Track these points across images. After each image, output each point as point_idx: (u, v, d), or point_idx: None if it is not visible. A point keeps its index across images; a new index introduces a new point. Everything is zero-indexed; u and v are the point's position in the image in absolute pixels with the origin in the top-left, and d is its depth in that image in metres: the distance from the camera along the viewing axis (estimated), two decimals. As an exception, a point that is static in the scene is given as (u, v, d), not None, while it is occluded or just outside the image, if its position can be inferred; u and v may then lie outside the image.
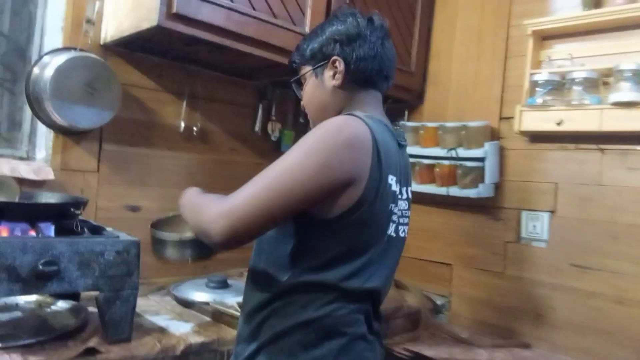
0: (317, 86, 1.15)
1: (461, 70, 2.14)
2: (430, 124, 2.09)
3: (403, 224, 1.12)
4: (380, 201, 1.00)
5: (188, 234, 1.32)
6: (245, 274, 1.18)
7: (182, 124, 1.90)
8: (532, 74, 1.83)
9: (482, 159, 1.92)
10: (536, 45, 1.87)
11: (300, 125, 2.27)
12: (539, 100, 1.79)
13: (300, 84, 1.20)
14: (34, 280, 1.09)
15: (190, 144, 1.95)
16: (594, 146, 1.78)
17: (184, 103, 1.91)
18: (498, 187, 1.98)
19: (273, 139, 2.17)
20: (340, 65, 1.11)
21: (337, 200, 0.96)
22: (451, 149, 1.97)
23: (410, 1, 2.16)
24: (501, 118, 2.00)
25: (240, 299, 1.54)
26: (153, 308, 1.56)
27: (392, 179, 1.03)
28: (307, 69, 1.16)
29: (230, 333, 1.38)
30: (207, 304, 1.56)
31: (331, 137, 0.95)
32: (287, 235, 1.03)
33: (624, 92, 1.61)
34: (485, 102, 2.05)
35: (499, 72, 2.02)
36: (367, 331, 1.05)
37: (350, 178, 0.95)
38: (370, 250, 1.02)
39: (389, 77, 1.18)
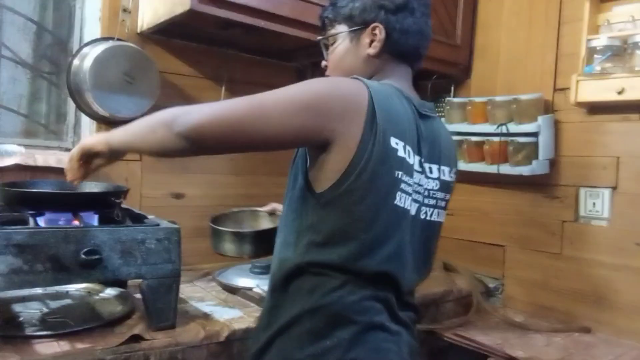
0: (350, 50, 1.08)
1: (511, 41, 2.02)
2: (478, 99, 1.99)
3: (427, 205, 1.04)
4: (377, 166, 0.92)
5: (247, 229, 1.32)
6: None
7: (222, 110, 1.88)
8: (589, 40, 1.68)
9: (535, 134, 1.80)
10: (593, 8, 1.73)
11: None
12: (598, 68, 1.65)
13: (328, 44, 1.12)
14: (78, 269, 1.10)
15: (231, 130, 1.94)
16: (659, 115, 1.63)
17: (223, 88, 1.89)
18: (553, 163, 1.85)
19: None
20: (381, 34, 1.05)
21: (326, 167, 0.92)
22: (501, 125, 1.86)
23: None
24: (555, 89, 1.87)
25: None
26: (198, 294, 1.57)
27: (397, 144, 0.94)
28: (341, 29, 1.09)
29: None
30: (250, 289, 1.55)
31: (321, 88, 0.92)
32: (293, 211, 1.00)
33: (695, 54, 1.47)
34: (538, 73, 1.92)
35: (552, 40, 1.88)
36: (390, 320, 0.98)
37: (330, 135, 0.90)
38: (375, 225, 0.94)
39: (422, 56, 1.12)
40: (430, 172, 1.05)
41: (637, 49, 1.60)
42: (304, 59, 2.02)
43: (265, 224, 1.65)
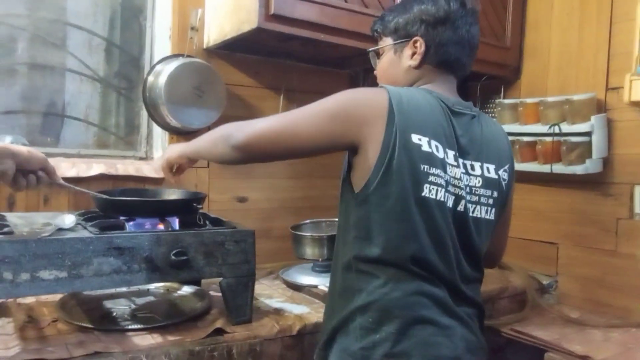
0: (393, 61, 1.18)
1: (562, 40, 2.04)
2: (529, 100, 2.02)
3: (471, 202, 1.09)
4: (400, 163, 0.99)
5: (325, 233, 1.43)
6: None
7: (281, 117, 1.99)
8: (644, 39, 1.70)
9: (588, 134, 1.82)
10: (649, 6, 1.74)
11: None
12: (653, 67, 1.67)
13: (377, 54, 1.24)
14: (168, 269, 1.22)
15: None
16: None
17: (281, 97, 2.00)
18: (606, 161, 1.87)
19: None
20: (421, 47, 1.13)
21: (358, 168, 1.04)
22: (554, 125, 1.89)
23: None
24: (608, 88, 1.88)
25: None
26: (266, 292, 1.68)
27: (420, 139, 1.01)
28: (387, 42, 1.20)
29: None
30: (315, 286, 1.64)
31: (346, 96, 1.06)
32: (342, 213, 1.13)
33: None
34: (590, 73, 1.94)
35: (604, 39, 1.89)
36: (441, 315, 1.03)
37: (356, 140, 1.02)
38: (406, 216, 1.01)
39: (466, 65, 1.18)
40: (472, 169, 1.10)
41: (693, 47, 1.61)
42: (357, 66, 2.11)
43: None
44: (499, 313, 1.84)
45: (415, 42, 1.14)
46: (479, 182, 1.11)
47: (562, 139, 1.88)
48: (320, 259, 1.47)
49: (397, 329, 1.01)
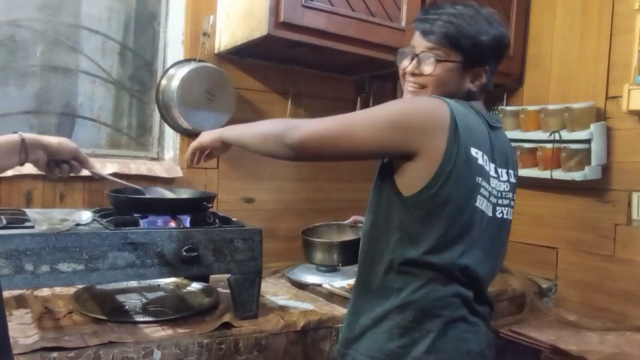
0: (455, 79, 1.13)
1: (563, 51, 2.09)
2: (531, 108, 2.07)
3: (502, 205, 1.15)
4: (461, 173, 1.04)
5: (336, 240, 1.45)
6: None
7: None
8: (641, 51, 1.75)
9: (587, 141, 1.87)
10: (646, 19, 1.79)
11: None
12: (650, 77, 1.72)
13: (435, 59, 1.12)
14: (179, 264, 1.28)
15: (296, 139, 2.10)
16: None
17: (289, 101, 2.06)
18: (606, 168, 1.92)
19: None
20: (484, 78, 1.14)
21: (412, 174, 1.05)
22: (554, 132, 1.94)
23: (510, -18, 2.14)
24: (607, 98, 1.93)
25: (348, 281, 1.68)
26: (271, 289, 1.73)
27: (476, 153, 1.06)
28: (457, 57, 1.11)
29: (342, 312, 1.50)
30: (319, 285, 1.70)
31: (405, 108, 1.07)
32: (380, 214, 1.13)
33: None
34: (590, 82, 1.99)
35: (604, 50, 1.95)
36: (469, 314, 1.09)
37: (415, 149, 1.03)
38: (457, 224, 1.06)
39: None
40: (502, 175, 1.16)
41: (690, 59, 1.65)
42: (363, 73, 2.16)
43: (349, 235, 1.79)
44: (498, 315, 1.89)
45: (484, 71, 1.13)
46: (506, 187, 1.17)
47: (562, 145, 1.93)
48: (330, 265, 1.48)
49: (437, 327, 1.06)
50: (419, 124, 1.03)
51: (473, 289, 1.11)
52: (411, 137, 1.03)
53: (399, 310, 1.08)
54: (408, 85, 1.17)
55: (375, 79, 2.24)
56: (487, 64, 1.13)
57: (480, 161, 1.07)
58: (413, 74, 1.15)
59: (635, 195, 1.86)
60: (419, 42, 1.14)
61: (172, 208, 1.39)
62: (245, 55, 1.93)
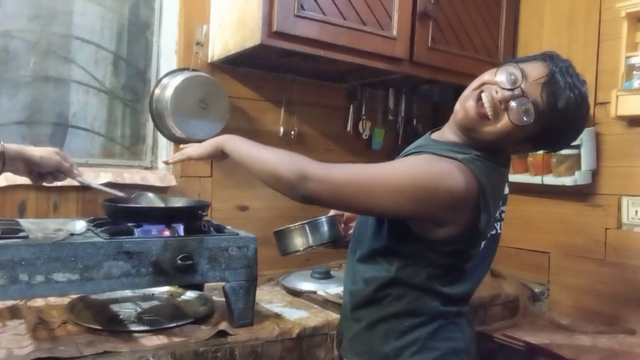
0: (512, 138, 1.05)
1: (551, 58, 2.12)
2: (520, 114, 2.10)
3: (497, 220, 1.18)
4: (484, 233, 1.08)
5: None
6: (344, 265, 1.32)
7: (282, 129, 2.06)
8: (627, 57, 1.79)
9: (577, 147, 1.90)
10: (631, 27, 1.82)
11: (389, 122, 2.36)
12: (636, 84, 1.74)
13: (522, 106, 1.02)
14: (174, 273, 1.29)
15: (289, 147, 2.07)
16: (699, 127, 1.71)
17: (282, 110, 2.07)
18: (595, 173, 1.95)
19: (364, 137, 2.28)
20: (526, 147, 1.12)
21: (434, 232, 1.04)
22: (544, 138, 1.97)
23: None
24: (596, 104, 1.96)
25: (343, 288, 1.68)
26: (266, 297, 1.73)
27: (496, 208, 1.10)
28: (528, 124, 1.01)
29: (337, 319, 1.50)
30: (314, 292, 1.70)
31: (432, 181, 0.98)
32: (389, 234, 1.11)
33: None
34: (579, 88, 2.01)
35: (592, 57, 1.98)
36: (456, 316, 1.14)
37: (438, 221, 1.02)
38: (468, 265, 1.12)
39: None
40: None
41: (675, 65, 1.69)
42: (355, 81, 2.18)
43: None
44: (491, 319, 1.90)
45: (528, 145, 1.10)
46: (502, 202, 1.19)
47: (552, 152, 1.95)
48: (302, 248, 1.37)
49: (429, 330, 1.10)
50: (446, 202, 0.98)
51: (464, 302, 1.18)
52: (433, 212, 1.00)
53: (396, 316, 1.11)
54: (484, 97, 1.03)
55: (367, 87, 2.26)
56: (530, 144, 1.10)
57: (499, 205, 1.13)
58: (500, 101, 1.01)
59: (625, 200, 1.89)
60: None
61: (167, 217, 1.39)
62: (238, 65, 1.94)
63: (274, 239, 1.35)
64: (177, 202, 1.58)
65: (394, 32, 1.81)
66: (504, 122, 1.02)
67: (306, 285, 1.77)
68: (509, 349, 1.75)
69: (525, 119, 1.00)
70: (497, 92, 1.01)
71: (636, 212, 1.85)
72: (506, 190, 1.21)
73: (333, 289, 1.70)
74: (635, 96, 1.74)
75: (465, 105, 1.05)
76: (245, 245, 1.39)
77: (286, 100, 2.08)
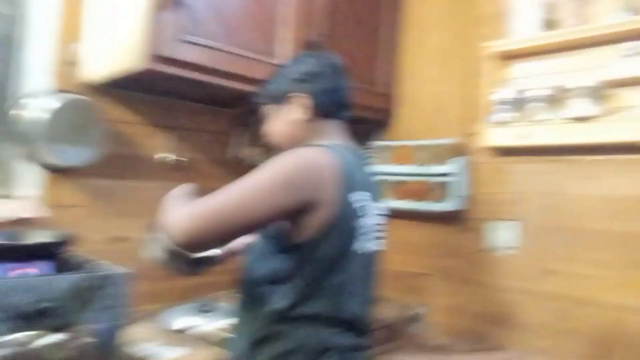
0: (286, 122, 1.25)
1: (430, 90, 2.27)
2: (401, 142, 2.21)
3: (374, 239, 1.21)
4: (347, 220, 1.11)
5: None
6: (235, 296, 1.28)
7: (164, 155, 1.97)
8: (494, 93, 1.95)
9: (451, 174, 2.03)
10: (498, 65, 2.00)
11: (274, 150, 2.35)
12: (503, 117, 1.91)
13: (269, 118, 1.30)
14: (35, 317, 1.16)
15: (174, 173, 2.02)
16: (555, 158, 1.90)
17: (167, 135, 1.98)
18: (468, 199, 2.09)
19: (247, 164, 2.24)
20: (306, 101, 1.22)
21: (307, 223, 1.07)
22: (422, 165, 2.09)
23: (377, 25, 2.27)
24: (468, 134, 2.12)
25: (226, 322, 1.63)
26: (143, 335, 1.62)
27: (360, 196, 1.14)
28: (274, 107, 1.27)
29: (223, 355, 1.45)
30: (196, 327, 1.63)
31: (293, 165, 1.07)
32: (270, 258, 1.14)
33: (578, 107, 1.74)
34: (454, 120, 2.17)
35: (465, 91, 2.14)
36: (350, 347, 1.15)
37: (310, 203, 1.05)
38: (343, 266, 1.11)
39: (348, 106, 1.30)
40: (373, 210, 1.22)
41: (534, 101, 1.87)
42: (247, 106, 2.15)
43: None
44: (373, 344, 1.94)
45: (299, 98, 1.23)
46: (378, 219, 1.24)
47: (429, 179, 2.07)
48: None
49: None
50: (313, 180, 1.06)
51: (355, 329, 1.17)
52: (305, 194, 1.05)
53: (286, 355, 1.10)
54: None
55: (255, 112, 2.23)
56: (299, 91, 1.22)
57: (362, 203, 1.14)
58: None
59: (492, 224, 2.04)
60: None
61: (23, 254, 1.26)
62: (120, 87, 1.83)
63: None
64: (39, 237, 1.44)
65: (280, 60, 1.82)
66: (278, 129, 1.29)
67: (189, 321, 1.69)
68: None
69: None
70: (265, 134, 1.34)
71: (501, 235, 2.01)
72: (383, 210, 1.25)
73: (219, 323, 1.64)
74: (500, 128, 1.91)
75: None
76: (116, 282, 1.30)
77: (173, 125, 2.00)
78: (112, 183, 1.86)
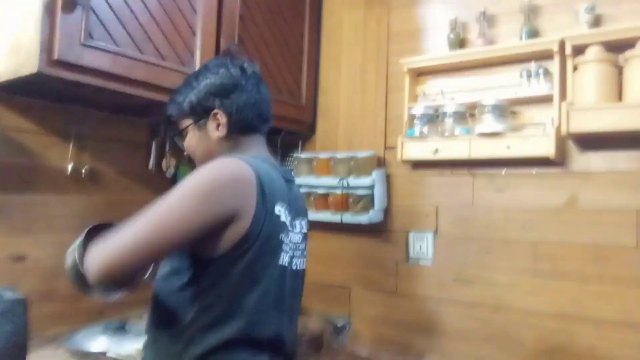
0: (201, 138, 1.19)
1: (348, 104, 2.29)
2: (322, 155, 2.20)
3: (298, 257, 1.18)
4: (269, 231, 1.06)
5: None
6: (145, 316, 1.19)
7: (70, 166, 1.83)
8: (409, 108, 2.00)
9: (370, 187, 2.05)
10: (412, 81, 2.06)
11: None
12: (417, 131, 1.96)
13: (183, 134, 1.23)
14: None
15: (79, 187, 1.88)
16: (465, 171, 1.98)
17: (70, 144, 1.84)
18: (387, 211, 2.12)
19: (168, 175, 2.16)
20: (223, 118, 1.17)
21: (223, 237, 1.02)
22: (342, 178, 2.09)
23: (298, 39, 2.27)
24: (386, 148, 2.16)
25: (137, 345, 1.53)
26: (48, 362, 1.49)
27: (279, 211, 1.10)
28: (187, 122, 1.21)
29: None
30: (104, 354, 1.51)
31: (210, 176, 1.03)
32: (182, 277, 1.07)
33: (487, 123, 1.82)
34: (372, 133, 2.20)
35: (381, 106, 2.18)
36: None
37: (231, 214, 1.01)
38: (263, 281, 1.07)
39: (268, 118, 1.26)
40: (296, 227, 1.19)
41: (446, 117, 1.93)
42: (158, 116, 2.06)
43: None
44: (297, 358, 1.91)
45: (216, 114, 1.17)
46: (300, 238, 1.20)
47: (350, 191, 2.08)
48: None
49: None
50: (230, 191, 1.02)
51: (276, 349, 1.12)
52: (225, 206, 1.00)
53: None
54: None
55: (170, 122, 2.14)
56: (215, 107, 1.17)
57: (282, 218, 1.10)
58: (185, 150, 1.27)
59: (411, 235, 2.08)
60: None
61: None
62: (14, 92, 1.68)
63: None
64: None
65: (196, 69, 1.75)
66: (194, 145, 1.25)
67: (96, 345, 1.57)
68: (312, 388, 1.77)
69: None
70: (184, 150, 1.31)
71: (420, 246, 2.05)
72: (305, 228, 1.23)
73: (127, 347, 1.54)
74: (416, 142, 1.95)
75: None
76: (11, 309, 1.18)
77: (76, 134, 1.86)
78: (7, 197, 1.69)
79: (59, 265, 1.81)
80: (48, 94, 1.74)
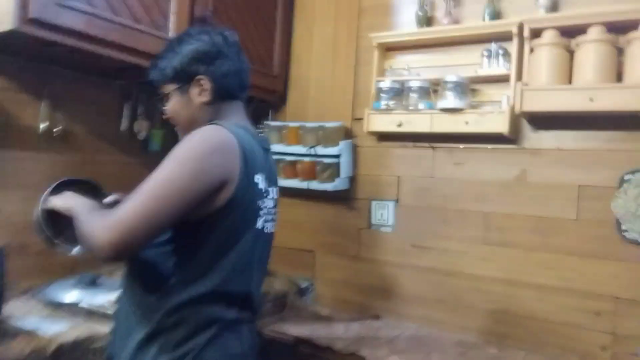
0: (185, 103, 1.22)
1: (319, 75, 2.36)
2: (292, 124, 2.28)
3: (269, 221, 1.26)
4: (250, 198, 1.14)
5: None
6: (116, 272, 1.26)
7: (42, 125, 1.86)
8: (377, 81, 2.09)
9: (337, 156, 2.14)
10: (380, 55, 2.14)
11: (168, 124, 2.31)
12: (383, 105, 2.05)
13: (165, 99, 1.25)
14: None
15: (51, 146, 1.91)
16: (427, 144, 2.09)
17: (43, 104, 1.87)
18: (352, 180, 2.23)
19: (140, 138, 2.19)
20: (207, 84, 1.20)
21: (209, 202, 1.08)
22: (311, 147, 2.18)
23: (271, 10, 2.31)
24: (354, 119, 2.24)
25: (109, 297, 1.60)
26: (21, 311, 1.55)
27: (258, 178, 1.17)
28: (170, 87, 1.23)
29: (102, 331, 1.43)
30: (76, 305, 1.58)
31: (201, 146, 1.08)
32: (165, 241, 1.12)
33: (449, 99, 1.92)
34: (340, 105, 2.28)
35: (350, 78, 2.26)
36: (233, 322, 1.17)
37: (222, 180, 1.08)
38: (240, 243, 1.14)
39: (247, 86, 1.31)
40: (270, 194, 1.26)
41: (411, 92, 2.02)
42: (131, 79, 2.08)
43: None
44: (262, 315, 2.02)
45: (199, 80, 1.20)
46: (273, 203, 1.27)
47: (317, 159, 2.17)
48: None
49: (205, 339, 1.12)
50: (219, 159, 1.07)
51: (244, 305, 1.20)
52: (217, 174, 1.07)
53: (171, 328, 1.11)
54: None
55: (144, 86, 2.17)
56: (200, 72, 1.20)
57: (260, 185, 1.17)
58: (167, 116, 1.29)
59: (373, 204, 2.20)
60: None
61: None
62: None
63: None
64: None
65: (170, 34, 1.79)
66: (177, 111, 1.26)
67: (68, 296, 1.63)
68: (277, 343, 1.88)
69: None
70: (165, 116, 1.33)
71: (382, 214, 2.17)
72: (276, 195, 1.30)
73: (99, 298, 1.61)
74: (382, 115, 2.05)
75: None
76: (-12, 257, 1.23)
77: (49, 93, 1.88)
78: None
79: (31, 220, 1.87)
80: (23, 53, 1.75)
